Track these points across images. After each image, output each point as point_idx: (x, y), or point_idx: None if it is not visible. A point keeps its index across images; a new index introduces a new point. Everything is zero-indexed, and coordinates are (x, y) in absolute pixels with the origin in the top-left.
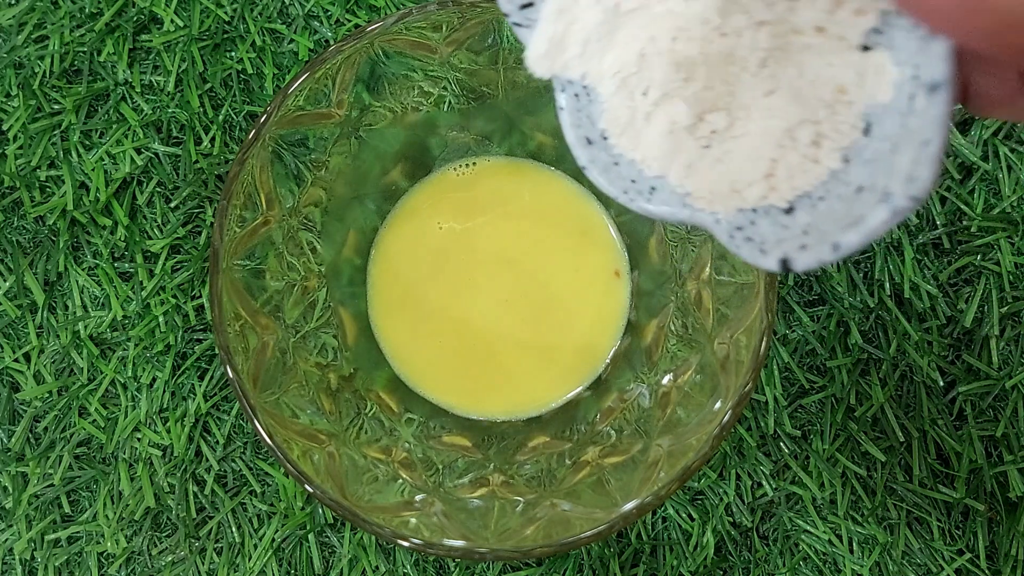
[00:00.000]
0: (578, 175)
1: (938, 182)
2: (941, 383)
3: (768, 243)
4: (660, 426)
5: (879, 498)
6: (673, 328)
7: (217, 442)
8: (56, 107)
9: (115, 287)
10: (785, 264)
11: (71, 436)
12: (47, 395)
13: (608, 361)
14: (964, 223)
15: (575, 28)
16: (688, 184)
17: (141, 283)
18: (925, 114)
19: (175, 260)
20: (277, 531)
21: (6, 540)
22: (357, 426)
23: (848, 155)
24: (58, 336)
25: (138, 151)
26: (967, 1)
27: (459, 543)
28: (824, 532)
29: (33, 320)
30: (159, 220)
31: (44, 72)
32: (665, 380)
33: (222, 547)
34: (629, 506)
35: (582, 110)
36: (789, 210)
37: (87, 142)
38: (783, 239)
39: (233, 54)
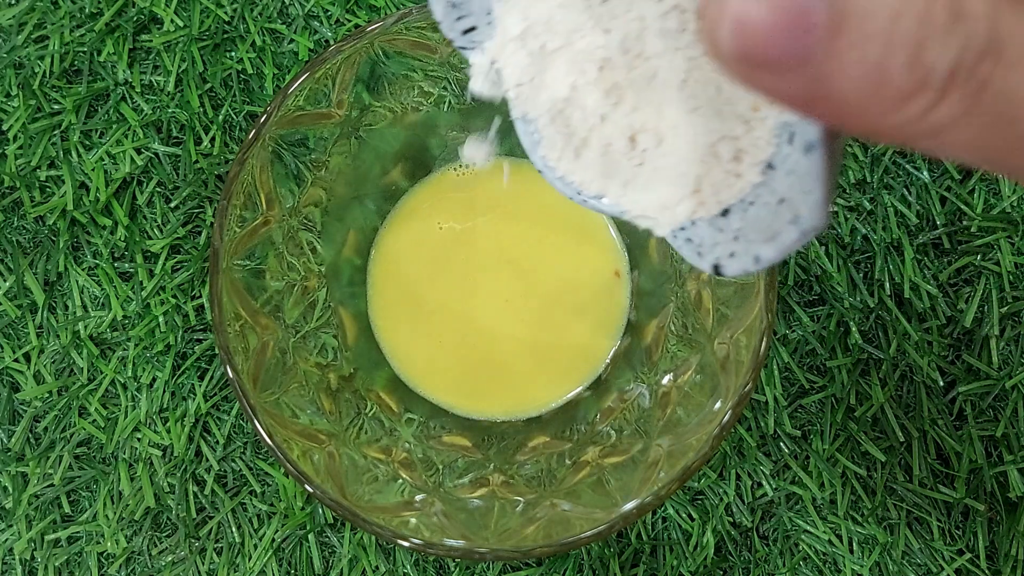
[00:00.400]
0: None
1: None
2: (941, 383)
3: (705, 246)
4: (660, 426)
5: (879, 498)
6: (673, 328)
7: (217, 442)
8: (56, 107)
9: (115, 287)
10: (717, 269)
11: (71, 436)
12: (47, 395)
13: (608, 361)
14: (964, 223)
15: (506, 74)
16: (624, 203)
17: (141, 283)
18: (805, 168)
19: (175, 260)
20: (277, 531)
21: (6, 540)
22: (357, 426)
23: (774, 162)
24: (58, 336)
25: (138, 151)
26: (808, 91)
27: (459, 543)
28: (824, 532)
29: (33, 320)
30: (159, 220)
31: (44, 72)
32: (665, 380)
33: (222, 547)
34: (629, 506)
35: None
36: (725, 212)
37: (87, 142)
38: (718, 243)
39: (233, 54)
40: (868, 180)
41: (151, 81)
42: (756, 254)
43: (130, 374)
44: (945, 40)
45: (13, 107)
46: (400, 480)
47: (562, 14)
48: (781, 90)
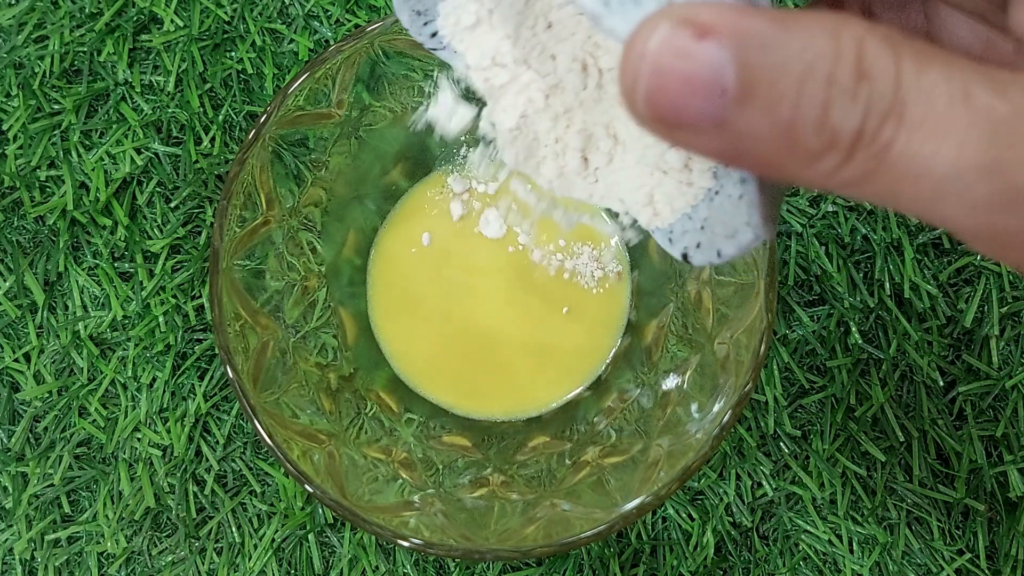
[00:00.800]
0: None
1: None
2: (941, 383)
3: (676, 233)
4: (660, 426)
5: (879, 498)
6: (673, 328)
7: (217, 442)
8: (56, 107)
9: (115, 287)
10: (686, 258)
11: (71, 436)
12: (47, 395)
13: (608, 361)
14: None
15: (459, 115)
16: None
17: (141, 283)
18: (742, 196)
19: (175, 260)
20: (277, 531)
21: (6, 540)
22: (357, 426)
23: None
24: (58, 336)
25: (138, 151)
26: (725, 149)
27: (459, 543)
28: (824, 532)
29: (33, 320)
30: (159, 220)
31: (44, 72)
32: (665, 380)
33: (222, 547)
34: (629, 506)
35: None
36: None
37: (87, 142)
38: (687, 231)
39: (233, 54)
40: None
41: (151, 81)
42: (718, 248)
43: (130, 374)
44: (850, 102)
45: (13, 107)
46: (400, 480)
47: (508, 45)
48: (700, 147)
